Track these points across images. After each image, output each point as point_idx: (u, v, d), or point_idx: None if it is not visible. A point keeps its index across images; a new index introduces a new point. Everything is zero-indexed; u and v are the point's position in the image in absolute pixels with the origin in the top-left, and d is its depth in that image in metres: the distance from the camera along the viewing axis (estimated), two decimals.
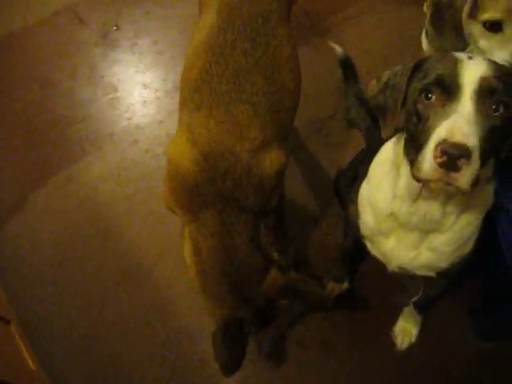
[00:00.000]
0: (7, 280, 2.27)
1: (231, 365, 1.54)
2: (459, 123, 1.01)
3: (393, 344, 2.07)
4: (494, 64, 1.10)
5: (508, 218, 1.76)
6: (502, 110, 1.05)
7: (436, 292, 1.82)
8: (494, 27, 1.44)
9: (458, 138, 0.99)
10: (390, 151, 1.37)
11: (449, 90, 1.07)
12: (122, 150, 2.56)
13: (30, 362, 1.91)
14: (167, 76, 2.78)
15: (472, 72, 1.06)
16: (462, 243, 1.40)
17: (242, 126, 1.51)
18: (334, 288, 2.15)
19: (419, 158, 1.07)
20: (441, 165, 1.01)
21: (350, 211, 1.61)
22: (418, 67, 1.18)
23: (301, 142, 2.52)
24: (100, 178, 2.50)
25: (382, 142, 1.50)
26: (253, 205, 1.52)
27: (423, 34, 1.85)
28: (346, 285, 2.17)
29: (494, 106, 1.05)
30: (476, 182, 1.04)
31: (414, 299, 1.96)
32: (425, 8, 1.77)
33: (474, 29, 1.51)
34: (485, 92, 1.05)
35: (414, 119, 1.13)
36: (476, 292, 2.10)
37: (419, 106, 1.11)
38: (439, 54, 1.19)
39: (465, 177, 1.01)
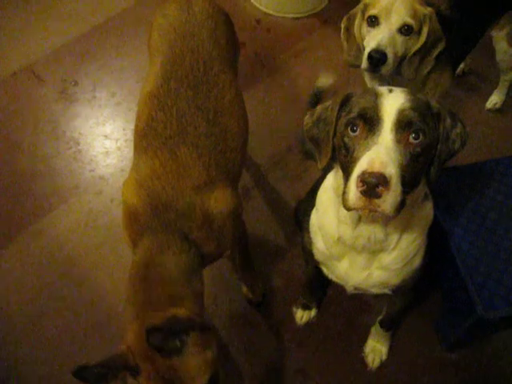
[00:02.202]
0: None
1: None
2: (378, 154, 1.09)
3: (365, 364, 2.12)
4: (410, 95, 1.18)
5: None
6: (421, 137, 1.14)
7: (397, 308, 1.89)
8: (374, 22, 1.80)
9: (377, 168, 1.07)
10: (331, 179, 1.45)
11: (370, 122, 1.15)
12: (88, 202, 2.62)
13: None
14: (127, 125, 2.86)
15: (390, 105, 1.15)
16: (410, 259, 1.47)
17: (185, 166, 1.59)
18: (303, 316, 2.21)
19: (346, 189, 1.15)
20: (362, 193, 1.09)
21: (304, 239, 1.68)
22: (345, 102, 1.27)
23: (260, 176, 2.61)
24: (68, 230, 2.54)
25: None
26: (200, 240, 1.57)
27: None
28: (314, 311, 2.23)
29: (413, 135, 1.14)
30: (401, 205, 1.12)
31: (379, 318, 2.03)
32: (342, 25, 1.98)
33: (363, 30, 1.87)
34: (403, 124, 1.13)
35: (343, 151, 1.21)
36: (438, 306, 2.18)
37: (346, 139, 1.20)
38: (363, 90, 1.27)
39: (386, 202, 1.09)
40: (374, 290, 1.59)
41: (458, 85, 2.85)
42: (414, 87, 2.03)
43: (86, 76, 3.10)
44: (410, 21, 1.77)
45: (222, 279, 2.33)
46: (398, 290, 1.60)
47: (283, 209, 2.52)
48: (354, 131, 1.18)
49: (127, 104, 2.95)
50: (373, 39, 1.80)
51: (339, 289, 1.73)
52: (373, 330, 2.13)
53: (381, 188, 1.07)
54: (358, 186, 1.09)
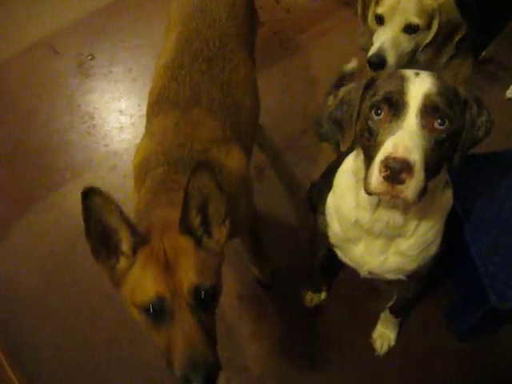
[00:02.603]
0: None
1: None
2: (402, 139, 1.08)
3: (372, 349, 2.12)
4: (437, 80, 1.16)
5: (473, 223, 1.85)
6: (446, 123, 1.13)
7: (409, 295, 1.88)
8: (380, 21, 1.79)
9: (401, 153, 1.06)
10: (351, 162, 1.44)
11: (395, 107, 1.13)
12: (102, 177, 2.62)
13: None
14: (142, 101, 2.85)
15: (416, 89, 1.13)
16: (427, 246, 1.46)
17: (199, 123, 1.59)
18: (312, 298, 2.20)
19: (368, 173, 1.14)
20: (385, 178, 1.08)
21: (318, 222, 1.67)
22: (369, 85, 1.25)
23: (275, 157, 2.60)
24: (80, 205, 2.53)
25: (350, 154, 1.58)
26: None
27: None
28: (324, 295, 2.22)
29: (439, 121, 1.12)
30: (423, 192, 1.11)
31: (390, 304, 2.02)
32: (358, 6, 1.97)
33: (372, 25, 1.86)
34: (429, 109, 1.11)
35: (367, 134, 1.20)
36: (450, 294, 2.16)
37: (370, 122, 1.18)
38: (389, 72, 1.25)
39: (409, 189, 1.08)
40: (389, 276, 1.58)
41: (478, 72, 2.80)
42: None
43: (103, 51, 3.09)
44: (415, 20, 1.73)
45: (232, 259, 2.32)
46: (413, 277, 1.59)
47: (296, 190, 2.51)
48: (378, 115, 1.16)
49: (143, 80, 2.93)
50: (377, 39, 1.80)
51: (351, 273, 1.72)
52: (382, 315, 2.12)
53: (404, 174, 1.06)
54: (381, 171, 1.08)
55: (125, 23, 3.17)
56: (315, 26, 3.07)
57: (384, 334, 2.11)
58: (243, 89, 1.76)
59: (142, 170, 1.57)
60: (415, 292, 1.85)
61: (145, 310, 1.20)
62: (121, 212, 1.17)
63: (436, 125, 1.12)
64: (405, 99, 1.13)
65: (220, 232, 1.31)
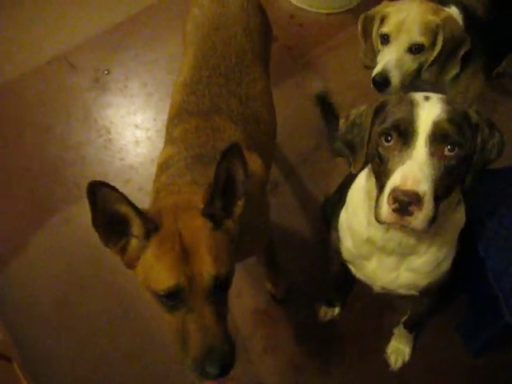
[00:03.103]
0: (10, 320, 2.32)
1: None
2: (411, 170, 1.09)
3: (386, 364, 2.11)
4: (447, 105, 1.15)
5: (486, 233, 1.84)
6: (456, 150, 1.13)
7: (422, 310, 1.88)
8: (385, 40, 1.81)
9: (409, 185, 1.07)
10: (363, 181, 1.45)
11: (405, 135, 1.14)
12: None
13: None
14: (157, 116, 2.88)
15: (426, 116, 1.13)
16: (439, 262, 1.47)
17: (218, 128, 1.61)
18: (326, 313, 2.21)
19: (378, 202, 1.16)
20: (394, 210, 1.10)
21: (332, 237, 1.68)
22: (379, 109, 1.25)
23: (289, 171, 2.61)
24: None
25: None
26: None
27: None
28: (337, 309, 2.22)
29: (449, 147, 1.12)
30: (433, 220, 1.12)
31: (404, 319, 2.02)
32: (359, 25, 1.98)
33: (376, 44, 1.89)
34: (438, 137, 1.12)
35: (377, 160, 1.21)
36: (463, 309, 2.16)
37: (380, 149, 1.19)
38: (399, 96, 1.25)
39: (418, 219, 1.10)
40: (401, 291, 1.58)
41: (492, 87, 2.80)
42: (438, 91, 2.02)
43: (119, 66, 3.12)
44: (419, 40, 1.75)
45: (247, 274, 2.34)
46: (425, 292, 1.59)
47: (310, 205, 2.52)
48: (388, 141, 1.17)
49: (158, 95, 2.96)
50: (381, 59, 1.81)
51: (365, 287, 1.72)
52: (396, 330, 2.12)
53: (413, 206, 1.07)
54: (389, 203, 1.10)
55: (141, 38, 3.20)
56: (328, 40, 3.08)
57: (398, 349, 2.11)
58: (261, 102, 1.79)
59: (163, 168, 1.58)
60: (428, 307, 1.85)
61: (160, 297, 1.19)
62: (128, 200, 1.16)
63: (446, 152, 1.12)
64: (414, 127, 1.13)
65: (237, 207, 1.30)
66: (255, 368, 2.14)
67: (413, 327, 2.04)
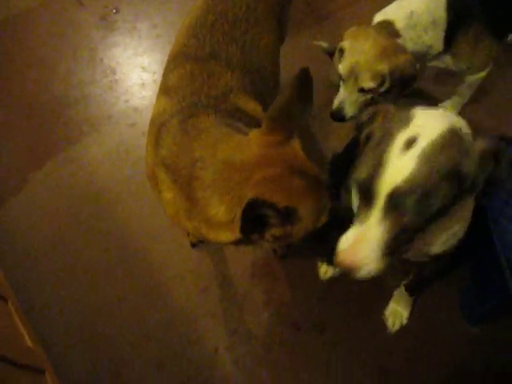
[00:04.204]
0: (5, 259, 2.30)
1: None
2: (357, 241, 1.09)
3: (384, 326, 2.10)
4: (427, 162, 1.01)
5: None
6: (417, 217, 1.05)
7: (428, 274, 1.85)
8: (341, 79, 1.97)
9: (348, 261, 1.09)
10: None
11: (366, 197, 1.08)
12: (120, 133, 2.58)
13: (26, 338, 1.94)
14: (165, 59, 2.70)
15: (390, 179, 1.03)
16: (455, 233, 1.43)
17: (214, 72, 1.56)
18: (327, 271, 2.18)
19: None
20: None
21: (343, 197, 1.64)
22: (369, 137, 1.17)
23: (297, 126, 2.53)
24: (98, 159, 2.53)
25: None
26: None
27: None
28: (338, 268, 2.19)
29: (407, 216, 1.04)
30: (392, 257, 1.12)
31: (405, 282, 1.99)
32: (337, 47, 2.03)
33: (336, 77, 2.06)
34: (394, 206, 1.03)
35: None
36: (466, 277, 2.13)
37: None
38: (378, 139, 1.11)
39: (364, 272, 1.11)
40: (411, 258, 1.54)
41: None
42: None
43: (128, 5, 3.02)
44: (367, 85, 1.88)
45: None
46: (435, 258, 1.55)
47: (317, 162, 2.45)
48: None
49: (168, 37, 2.87)
50: (338, 95, 2.01)
51: None
52: (396, 293, 2.10)
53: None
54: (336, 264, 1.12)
55: None
56: None
57: (396, 312, 2.09)
58: (265, 54, 1.73)
59: (155, 124, 1.53)
60: (434, 271, 1.82)
61: None
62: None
63: (404, 219, 1.05)
64: (375, 190, 1.05)
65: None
66: (252, 321, 2.13)
67: (414, 290, 2.01)
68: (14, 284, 2.22)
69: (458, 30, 1.92)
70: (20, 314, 2.04)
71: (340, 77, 1.97)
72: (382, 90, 1.90)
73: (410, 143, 1.03)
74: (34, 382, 1.80)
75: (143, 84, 2.74)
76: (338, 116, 2.03)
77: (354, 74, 1.89)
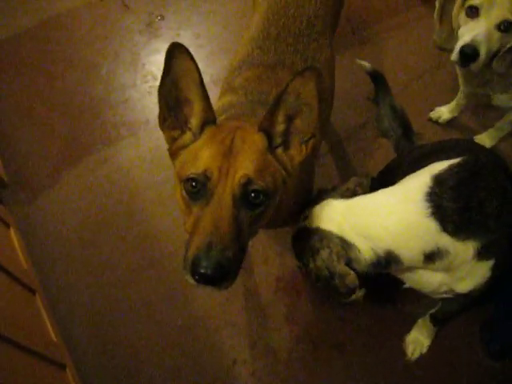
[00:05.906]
0: (34, 252, 2.34)
1: None
2: None
3: (403, 352, 2.09)
4: None
5: None
6: None
7: (455, 308, 1.83)
8: (474, 13, 1.70)
9: None
10: None
11: None
12: (156, 139, 2.61)
13: (51, 332, 1.97)
14: (206, 69, 2.83)
15: None
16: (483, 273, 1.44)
17: (280, 80, 1.58)
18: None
19: None
20: None
21: None
22: None
23: (332, 146, 2.56)
24: (132, 163, 2.56)
25: (410, 153, 1.57)
26: None
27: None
28: (362, 290, 2.19)
29: None
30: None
31: (432, 311, 1.97)
32: (436, 2, 1.88)
33: (460, 18, 1.77)
34: None
35: None
36: (488, 311, 2.11)
37: None
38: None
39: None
40: (435, 296, 1.56)
41: None
42: (503, 84, 1.96)
43: (174, 13, 3.06)
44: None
45: (276, 243, 2.32)
46: (462, 294, 1.55)
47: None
48: None
49: (210, 48, 2.91)
50: (468, 32, 1.72)
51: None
52: (420, 321, 2.08)
53: None
54: None
55: None
56: (391, 18, 2.97)
57: (418, 340, 2.08)
58: (324, 68, 1.75)
59: (220, 112, 1.55)
60: (463, 306, 1.80)
61: (188, 181, 1.19)
62: (201, 82, 1.17)
63: None
64: None
65: (299, 150, 1.28)
66: (272, 335, 2.14)
67: (440, 322, 2.00)
68: (43, 278, 2.26)
69: None
70: (46, 307, 2.07)
71: (469, 15, 1.72)
72: None
73: None
74: (56, 376, 1.82)
75: None
76: (471, 52, 1.70)
77: (496, 4, 1.65)
